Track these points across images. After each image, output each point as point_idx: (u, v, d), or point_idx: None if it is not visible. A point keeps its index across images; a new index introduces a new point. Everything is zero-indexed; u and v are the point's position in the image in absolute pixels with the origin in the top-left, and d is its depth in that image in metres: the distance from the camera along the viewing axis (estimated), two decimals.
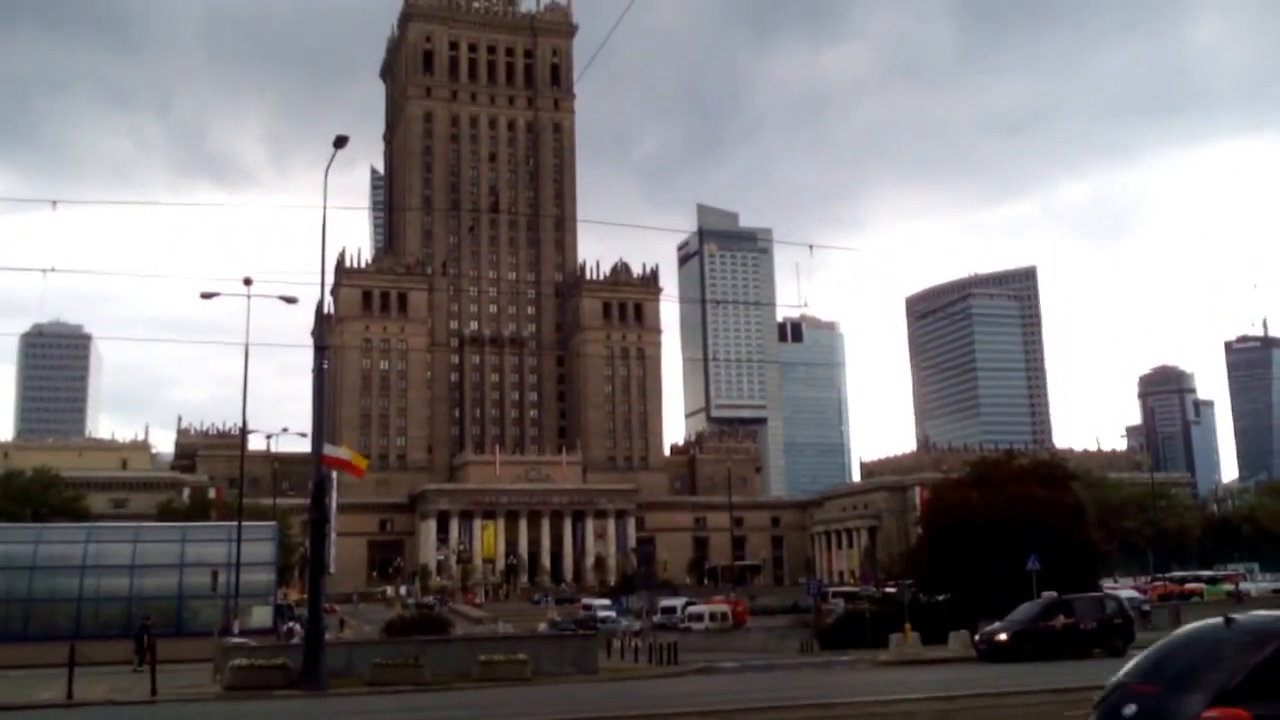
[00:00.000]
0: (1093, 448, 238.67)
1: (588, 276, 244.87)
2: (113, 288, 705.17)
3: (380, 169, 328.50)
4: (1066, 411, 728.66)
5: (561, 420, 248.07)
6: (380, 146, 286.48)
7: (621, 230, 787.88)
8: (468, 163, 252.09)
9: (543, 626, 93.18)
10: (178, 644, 52.99)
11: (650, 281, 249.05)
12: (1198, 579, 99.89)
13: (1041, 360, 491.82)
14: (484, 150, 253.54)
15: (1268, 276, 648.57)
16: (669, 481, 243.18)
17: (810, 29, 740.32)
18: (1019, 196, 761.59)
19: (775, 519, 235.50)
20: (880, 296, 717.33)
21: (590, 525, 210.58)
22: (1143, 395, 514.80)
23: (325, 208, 43.82)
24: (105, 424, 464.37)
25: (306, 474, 51.88)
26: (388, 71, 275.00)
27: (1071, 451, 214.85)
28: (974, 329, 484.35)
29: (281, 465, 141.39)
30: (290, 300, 55.23)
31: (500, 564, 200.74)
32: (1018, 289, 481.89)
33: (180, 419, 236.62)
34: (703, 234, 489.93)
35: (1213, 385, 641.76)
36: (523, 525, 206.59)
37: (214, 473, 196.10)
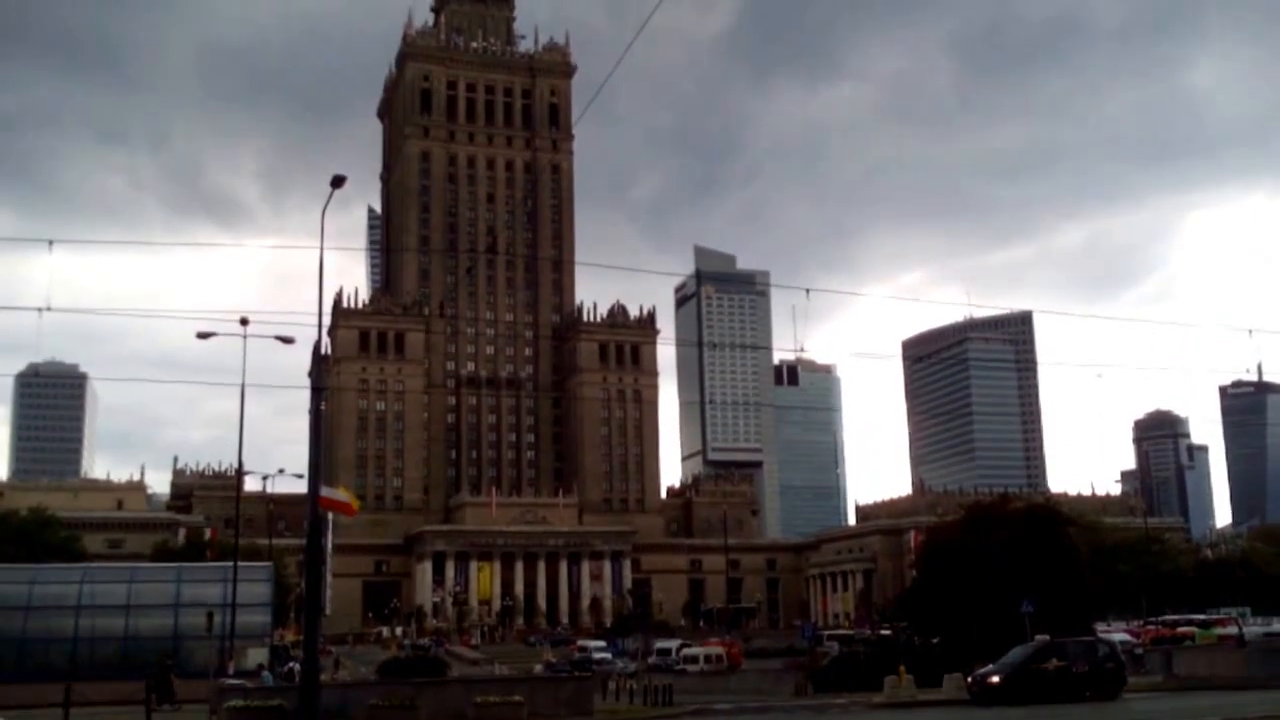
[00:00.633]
0: (1087, 492, 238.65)
1: (585, 318, 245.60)
2: (108, 327, 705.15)
3: (377, 208, 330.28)
4: (1061, 456, 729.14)
5: (558, 462, 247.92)
6: (377, 186, 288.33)
7: (619, 271, 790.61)
8: (465, 203, 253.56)
9: (538, 668, 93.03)
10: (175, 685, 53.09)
11: (648, 324, 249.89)
12: (1190, 622, 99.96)
13: (1037, 404, 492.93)
14: (482, 190, 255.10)
15: (1264, 322, 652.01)
16: (665, 524, 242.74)
17: (807, 69, 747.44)
18: (1017, 241, 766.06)
19: (771, 561, 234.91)
20: (877, 340, 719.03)
21: (586, 567, 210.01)
22: (1137, 440, 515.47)
23: (322, 248, 44.37)
24: (101, 464, 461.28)
25: (302, 515, 52.16)
26: (385, 111, 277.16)
27: (1066, 495, 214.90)
28: (970, 373, 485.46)
29: (277, 506, 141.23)
30: (287, 340, 55.53)
31: (496, 605, 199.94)
32: (1013, 333, 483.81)
33: (176, 459, 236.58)
34: (700, 276, 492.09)
35: (1207, 430, 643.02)
36: (519, 567, 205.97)
37: (210, 513, 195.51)
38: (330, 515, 56.31)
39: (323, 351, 48.76)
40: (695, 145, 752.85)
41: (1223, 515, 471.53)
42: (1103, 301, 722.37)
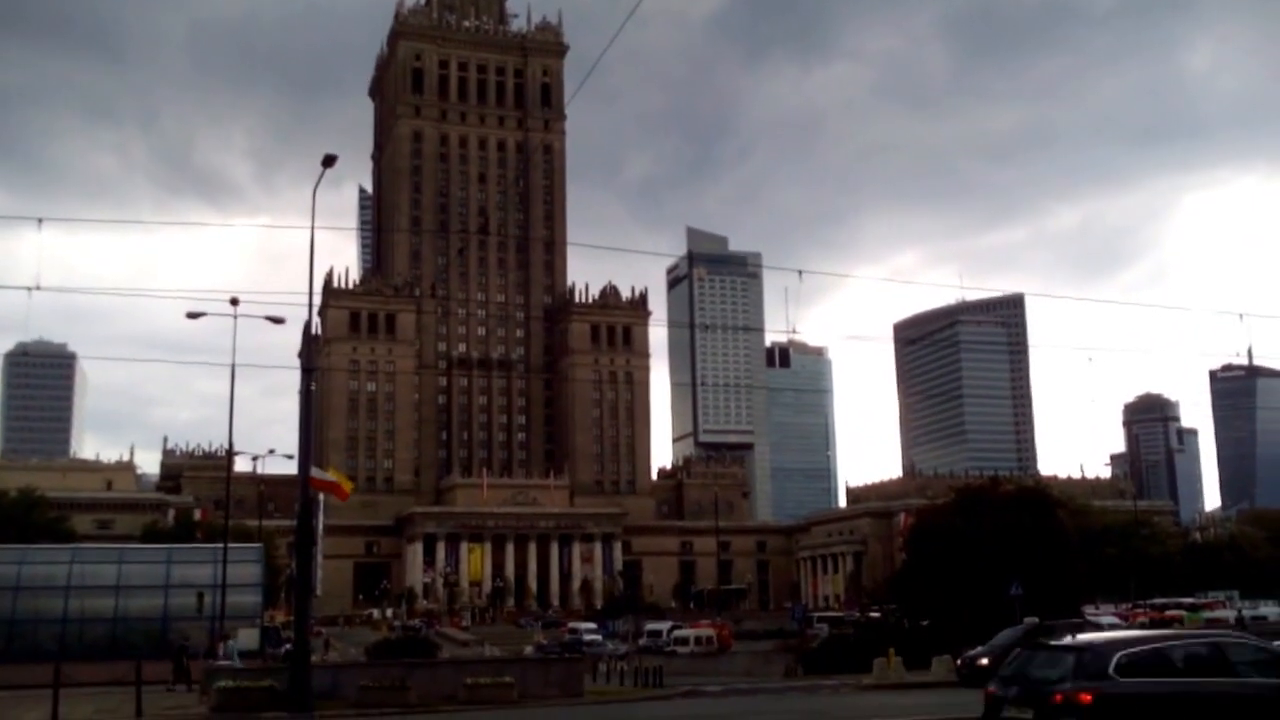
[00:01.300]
0: (1077, 475, 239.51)
1: (577, 299, 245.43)
2: (97, 306, 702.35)
3: (369, 188, 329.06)
4: (1051, 439, 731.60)
5: (549, 444, 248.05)
6: (369, 165, 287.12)
7: (611, 252, 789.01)
8: (457, 183, 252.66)
9: (529, 650, 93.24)
10: (163, 666, 53.02)
11: (639, 305, 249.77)
12: (1178, 605, 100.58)
13: (1028, 387, 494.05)
14: (473, 171, 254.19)
15: (1254, 306, 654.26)
16: (656, 506, 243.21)
17: (801, 49, 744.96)
18: (1011, 223, 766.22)
19: (761, 544, 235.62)
20: (869, 322, 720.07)
21: (577, 549, 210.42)
22: (1127, 423, 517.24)
23: (313, 228, 44.10)
24: (90, 444, 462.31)
25: (293, 496, 52.02)
26: (376, 90, 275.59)
27: (1056, 479, 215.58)
28: (961, 356, 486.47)
29: (267, 487, 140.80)
30: (277, 321, 55.31)
31: (487, 587, 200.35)
32: (1005, 316, 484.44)
33: (166, 439, 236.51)
34: (692, 257, 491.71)
35: (1197, 414, 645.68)
36: (509, 548, 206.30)
37: (199, 494, 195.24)
38: (321, 496, 56.25)
39: (313, 332, 48.63)
40: (688, 125, 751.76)
41: (1212, 499, 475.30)
42: (1096, 284, 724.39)
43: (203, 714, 39.66)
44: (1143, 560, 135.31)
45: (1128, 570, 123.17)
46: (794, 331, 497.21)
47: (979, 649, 49.22)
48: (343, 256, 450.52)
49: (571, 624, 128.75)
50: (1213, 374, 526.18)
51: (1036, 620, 51.67)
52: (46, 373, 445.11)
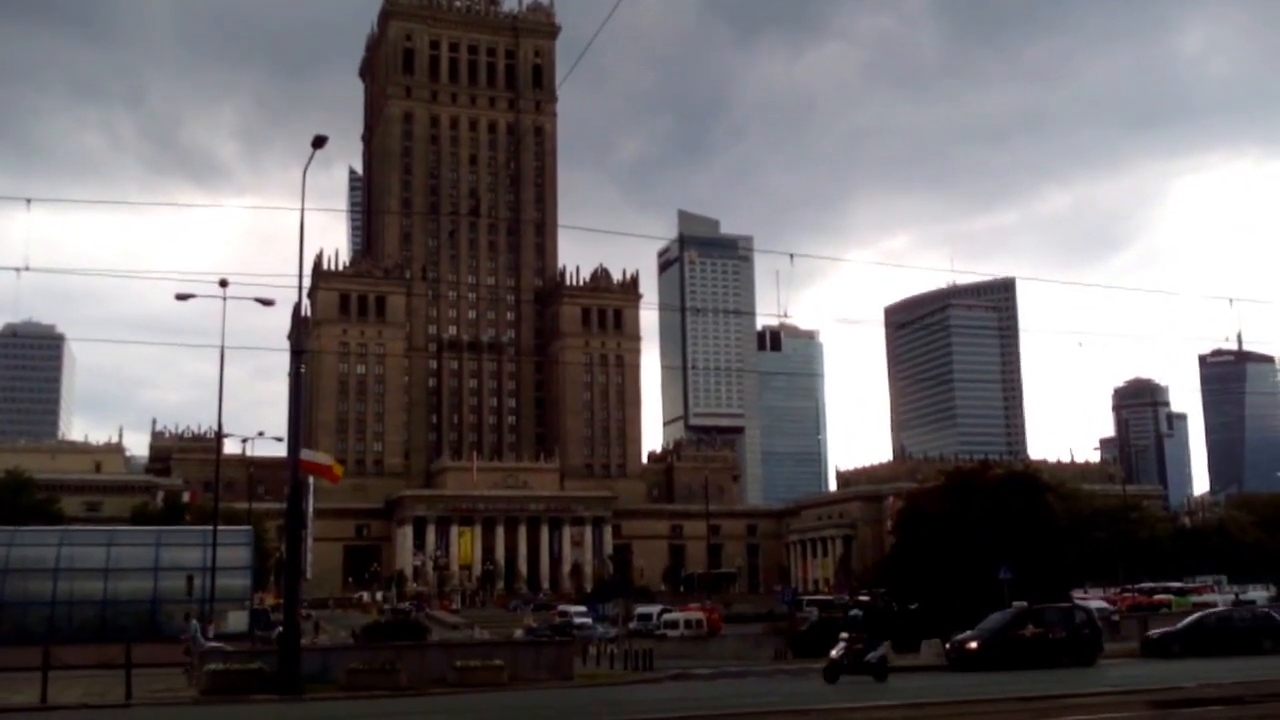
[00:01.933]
0: (1066, 459, 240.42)
1: (568, 282, 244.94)
2: (86, 287, 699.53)
3: (359, 169, 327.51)
4: (1041, 423, 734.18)
5: (539, 427, 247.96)
6: (359, 146, 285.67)
7: (602, 234, 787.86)
8: (448, 165, 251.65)
9: (519, 633, 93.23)
10: (152, 648, 52.89)
11: (630, 288, 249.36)
12: (1166, 590, 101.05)
13: (1018, 372, 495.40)
14: (464, 152, 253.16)
15: (1244, 290, 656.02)
16: (646, 489, 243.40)
17: (792, 30, 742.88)
18: (1002, 206, 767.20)
19: (751, 527, 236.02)
20: (860, 306, 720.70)
21: (567, 532, 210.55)
22: (1117, 408, 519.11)
23: (303, 210, 43.93)
24: (78, 426, 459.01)
25: (282, 478, 51.87)
26: (367, 70, 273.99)
27: (1045, 463, 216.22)
28: (951, 340, 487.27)
29: (257, 469, 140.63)
30: (267, 303, 55.09)
31: (477, 570, 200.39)
32: (996, 300, 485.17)
33: (155, 421, 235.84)
34: (683, 241, 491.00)
35: (1186, 399, 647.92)
36: (500, 532, 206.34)
37: (189, 476, 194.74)
38: (311, 479, 56.20)
39: (303, 314, 48.32)
40: (679, 107, 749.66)
41: (1201, 483, 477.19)
42: (1087, 268, 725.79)
43: (193, 697, 39.56)
44: (1131, 544, 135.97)
45: (1116, 554, 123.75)
46: (785, 315, 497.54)
47: (968, 633, 49.41)
48: (332, 238, 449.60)
49: (561, 607, 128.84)
50: (1202, 359, 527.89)
51: (1025, 604, 51.89)
52: (35, 354, 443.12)
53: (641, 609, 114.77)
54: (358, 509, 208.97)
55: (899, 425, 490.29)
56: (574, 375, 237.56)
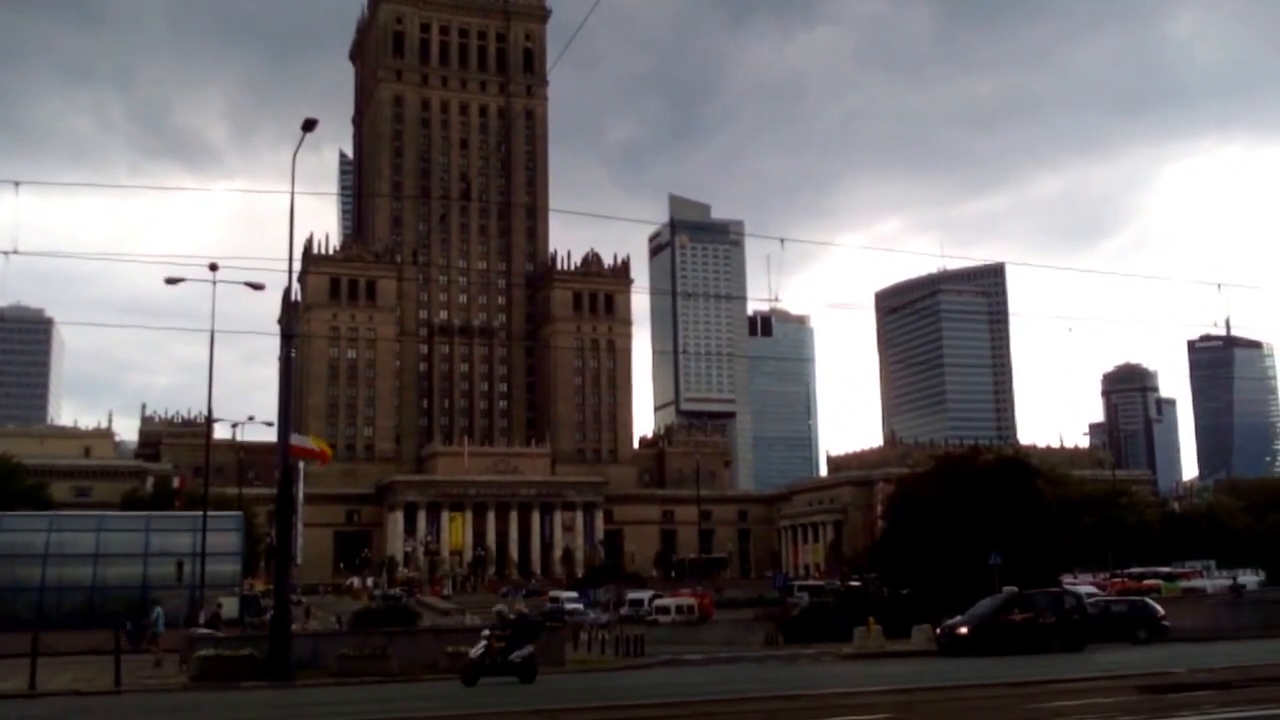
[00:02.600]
0: (1056, 444, 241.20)
1: (559, 266, 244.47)
2: (75, 270, 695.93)
3: (349, 153, 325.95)
4: (1031, 408, 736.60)
5: (530, 412, 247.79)
6: (349, 129, 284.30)
7: (593, 218, 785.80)
8: (438, 149, 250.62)
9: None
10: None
11: (621, 273, 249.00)
12: (1155, 575, 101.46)
13: (1008, 357, 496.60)
14: (455, 136, 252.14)
15: (1233, 276, 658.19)
16: (637, 474, 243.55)
17: (783, 11, 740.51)
18: (993, 191, 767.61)
19: (743, 513, 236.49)
20: (851, 290, 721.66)
21: (558, 518, 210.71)
22: (1106, 393, 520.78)
23: (293, 193, 43.67)
24: (67, 410, 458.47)
25: (273, 464, 51.68)
26: (357, 53, 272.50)
27: (1035, 448, 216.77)
28: (942, 325, 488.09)
29: (247, 454, 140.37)
30: (257, 287, 54.88)
31: (468, 556, 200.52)
32: (986, 285, 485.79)
33: (144, 406, 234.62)
34: (674, 225, 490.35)
35: (1175, 384, 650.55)
36: (491, 517, 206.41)
37: (178, 461, 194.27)
38: (301, 464, 56.11)
39: (293, 298, 48.13)
40: (671, 90, 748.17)
41: (1189, 469, 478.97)
42: (1078, 253, 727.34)
43: (183, 684, 39.43)
44: (1121, 530, 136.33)
45: (1106, 540, 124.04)
46: (776, 300, 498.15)
47: (958, 618, 49.51)
48: (323, 221, 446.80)
49: (553, 593, 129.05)
50: (1191, 344, 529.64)
51: (1015, 589, 52.02)
52: (23, 338, 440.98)
53: (633, 594, 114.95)
54: (348, 494, 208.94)
55: (890, 410, 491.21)
56: (565, 360, 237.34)
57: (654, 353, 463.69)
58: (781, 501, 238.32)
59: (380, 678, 39.71)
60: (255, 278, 54.88)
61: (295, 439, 47.39)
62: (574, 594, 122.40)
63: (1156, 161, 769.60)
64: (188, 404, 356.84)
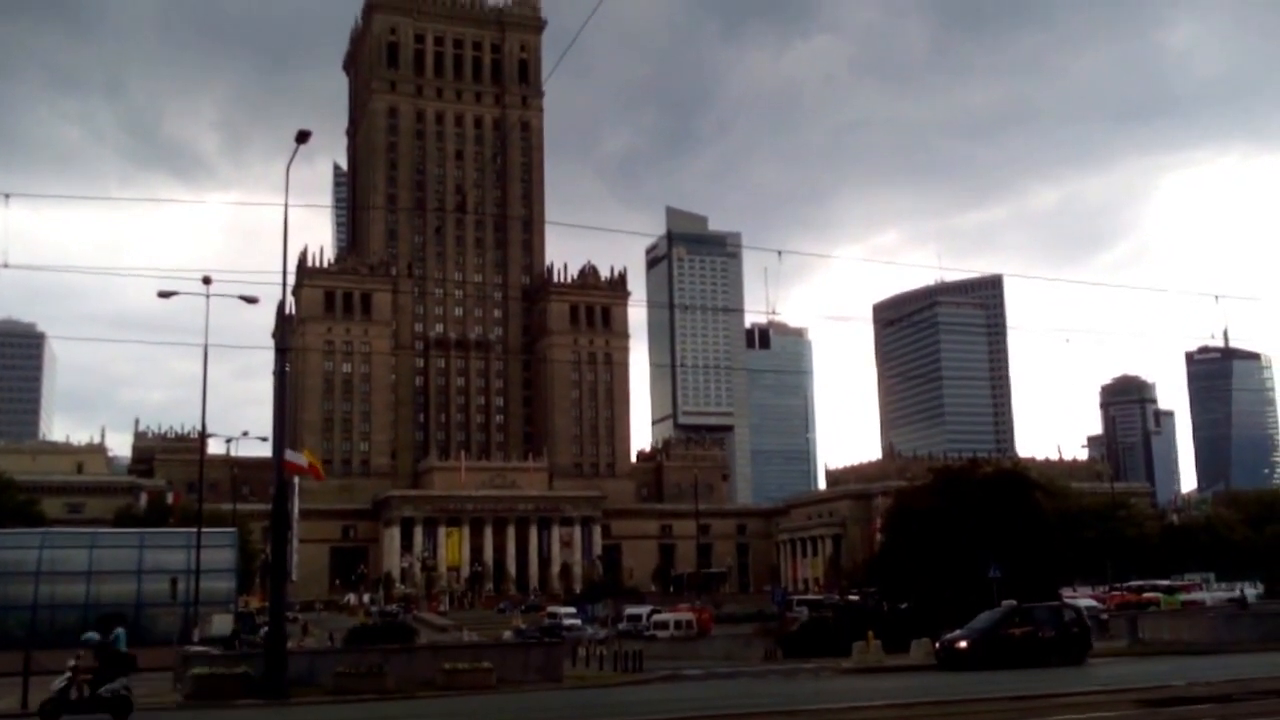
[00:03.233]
0: (1054, 457, 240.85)
1: (555, 279, 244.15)
2: (66, 284, 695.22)
3: (343, 164, 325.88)
4: (1029, 420, 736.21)
5: (528, 426, 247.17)
6: (343, 140, 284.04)
7: (589, 230, 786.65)
8: (433, 160, 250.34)
9: (507, 634, 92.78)
10: (137, 653, 52.16)
11: (618, 285, 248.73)
12: (1155, 588, 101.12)
13: (1006, 369, 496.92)
14: (450, 148, 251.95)
15: (1231, 287, 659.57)
16: (635, 488, 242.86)
17: (780, 23, 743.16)
18: (990, 202, 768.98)
19: (741, 527, 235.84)
20: (849, 303, 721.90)
21: (556, 532, 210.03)
22: (1104, 405, 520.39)
23: (287, 206, 43.53)
24: (59, 426, 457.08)
25: (267, 479, 51.41)
26: (351, 64, 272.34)
27: (1033, 460, 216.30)
28: (940, 337, 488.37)
29: (242, 470, 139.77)
30: (251, 300, 54.71)
31: (465, 571, 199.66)
32: (984, 297, 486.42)
33: (137, 421, 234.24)
34: (671, 237, 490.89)
35: (1173, 396, 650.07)
36: (488, 532, 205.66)
37: (172, 477, 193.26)
38: (296, 479, 55.85)
39: (287, 311, 47.87)
40: (667, 100, 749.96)
41: (1188, 481, 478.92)
42: (1075, 264, 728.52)
43: (176, 702, 39.08)
44: (1120, 542, 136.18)
45: (1105, 552, 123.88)
46: (774, 312, 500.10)
47: (957, 632, 49.24)
48: (317, 234, 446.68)
49: (550, 608, 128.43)
50: (1189, 356, 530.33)
51: (1014, 603, 51.77)
52: (14, 353, 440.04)
53: (631, 609, 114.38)
54: (344, 510, 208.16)
55: (888, 423, 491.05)
56: (562, 373, 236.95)
57: (651, 366, 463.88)
58: (780, 515, 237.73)
59: (377, 695, 39.39)
60: (249, 291, 54.90)
61: (290, 455, 47.11)
62: (572, 609, 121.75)
63: (1154, 172, 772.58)
64: (181, 419, 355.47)
